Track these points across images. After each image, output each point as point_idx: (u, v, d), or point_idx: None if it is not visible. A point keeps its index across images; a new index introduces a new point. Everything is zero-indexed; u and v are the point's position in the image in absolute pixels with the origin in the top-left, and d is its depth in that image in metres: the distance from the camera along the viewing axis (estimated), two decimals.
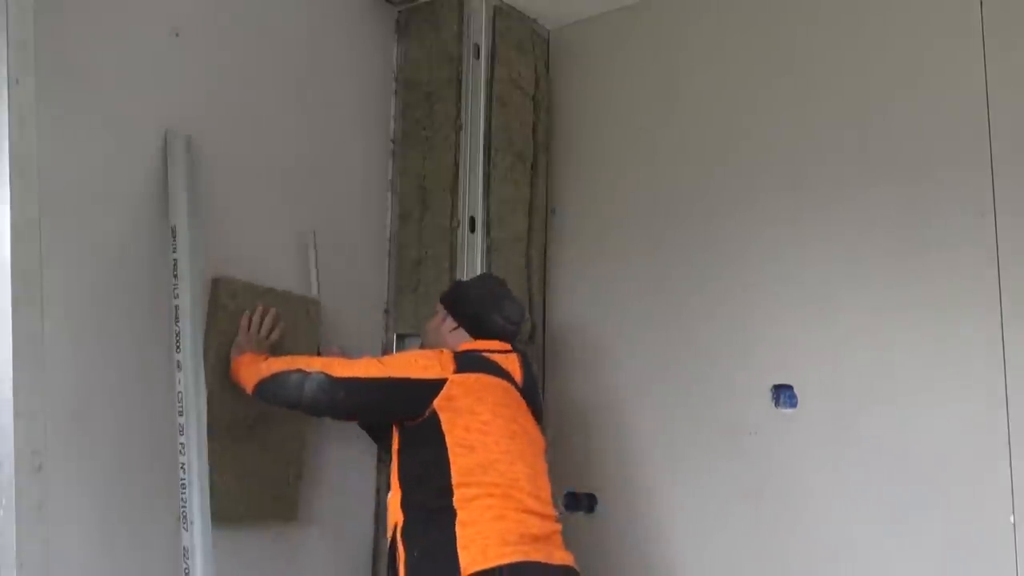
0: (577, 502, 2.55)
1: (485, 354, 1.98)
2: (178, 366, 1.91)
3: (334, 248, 2.42)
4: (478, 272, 2.46)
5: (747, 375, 2.33)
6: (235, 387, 2.02)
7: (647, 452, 2.46)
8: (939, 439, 2.06)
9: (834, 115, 2.29)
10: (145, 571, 1.92)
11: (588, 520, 2.52)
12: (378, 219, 2.61)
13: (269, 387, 1.92)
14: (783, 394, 2.29)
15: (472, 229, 2.51)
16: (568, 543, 1.92)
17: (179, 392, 1.90)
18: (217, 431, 1.97)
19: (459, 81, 2.54)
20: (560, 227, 2.74)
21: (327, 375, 1.88)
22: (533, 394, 2.03)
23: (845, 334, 2.21)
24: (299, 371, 1.90)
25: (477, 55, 2.57)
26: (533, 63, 2.73)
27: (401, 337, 2.51)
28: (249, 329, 2.07)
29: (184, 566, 1.86)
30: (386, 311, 2.57)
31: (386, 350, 2.53)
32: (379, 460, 2.46)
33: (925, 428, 2.08)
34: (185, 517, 1.86)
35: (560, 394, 2.64)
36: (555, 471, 2.55)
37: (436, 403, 1.85)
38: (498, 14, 2.63)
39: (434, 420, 1.85)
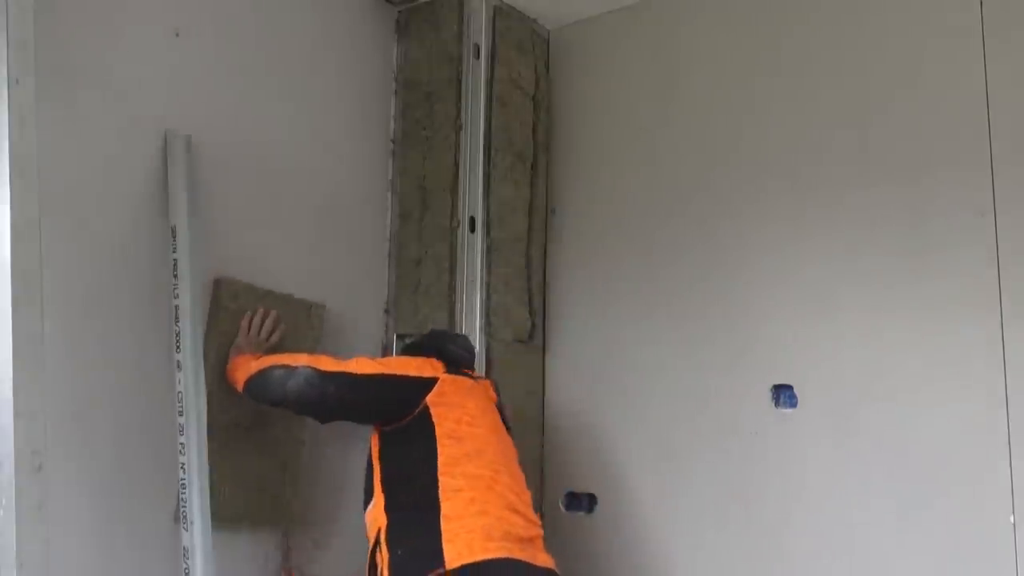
0: (577, 502, 2.55)
1: (464, 372, 2.05)
2: (178, 366, 1.91)
3: (334, 248, 2.42)
4: (478, 272, 2.47)
5: (747, 375, 2.33)
6: (232, 388, 2.02)
7: (647, 452, 2.46)
8: (939, 439, 2.06)
9: (834, 115, 2.29)
10: (145, 571, 1.92)
11: (588, 520, 2.52)
12: (378, 219, 2.61)
13: (255, 384, 1.93)
14: (783, 394, 2.29)
15: (472, 229, 2.51)
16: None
17: (179, 392, 1.90)
18: (215, 431, 1.97)
19: (459, 81, 2.54)
20: (560, 227, 2.74)
21: (315, 369, 1.89)
22: (505, 415, 2.08)
23: (845, 334, 2.21)
24: (284, 366, 1.90)
25: (477, 55, 2.57)
26: (533, 63, 2.73)
27: (401, 337, 2.51)
28: (249, 331, 2.07)
29: (184, 566, 1.86)
30: (386, 311, 2.57)
31: (386, 350, 2.53)
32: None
33: (925, 428, 2.08)
34: (185, 517, 1.86)
35: (560, 394, 2.64)
36: (555, 471, 2.58)
37: (429, 399, 1.89)
38: (498, 14, 2.63)
39: (425, 415, 1.88)
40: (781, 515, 2.25)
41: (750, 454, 2.30)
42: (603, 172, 2.68)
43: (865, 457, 2.15)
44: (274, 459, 2.15)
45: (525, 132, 2.67)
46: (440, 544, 1.74)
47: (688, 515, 2.38)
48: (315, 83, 2.42)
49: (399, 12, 2.68)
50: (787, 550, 2.23)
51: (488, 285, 2.50)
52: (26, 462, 1.53)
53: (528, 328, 2.61)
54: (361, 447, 2.36)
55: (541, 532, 1.91)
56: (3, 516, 1.51)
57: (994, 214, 2.05)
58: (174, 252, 1.94)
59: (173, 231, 1.96)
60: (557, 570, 1.86)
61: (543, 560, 1.84)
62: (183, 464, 1.87)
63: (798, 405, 2.26)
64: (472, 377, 2.05)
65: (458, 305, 2.45)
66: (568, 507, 2.55)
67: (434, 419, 1.87)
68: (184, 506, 1.86)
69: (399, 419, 1.89)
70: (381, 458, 1.91)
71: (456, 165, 2.52)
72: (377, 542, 1.84)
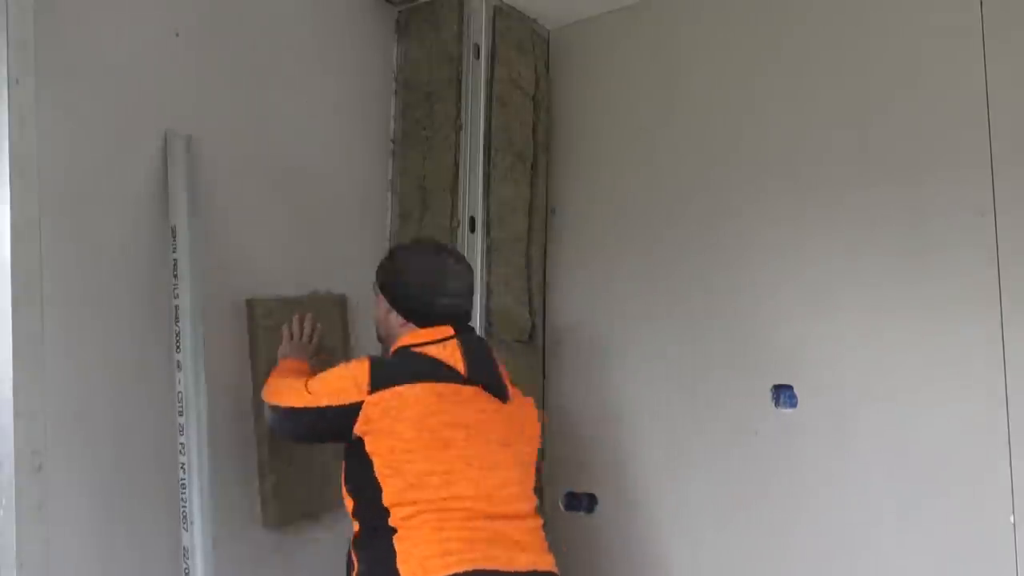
0: (577, 502, 2.55)
1: (417, 350, 1.86)
2: (178, 366, 1.91)
3: (335, 248, 2.42)
4: (478, 272, 2.46)
5: (747, 375, 2.33)
6: None
7: (647, 452, 2.46)
8: (939, 439, 2.06)
9: (834, 115, 2.29)
10: (145, 571, 1.91)
11: (588, 520, 2.52)
12: (378, 219, 2.61)
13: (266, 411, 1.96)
14: (783, 394, 2.29)
15: (472, 229, 2.51)
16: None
17: (179, 392, 1.90)
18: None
19: (459, 81, 2.54)
20: (560, 227, 2.74)
21: (279, 406, 1.87)
22: (487, 376, 1.87)
23: (845, 334, 2.21)
24: (270, 403, 1.91)
25: (477, 55, 2.57)
26: (533, 63, 2.73)
27: None
28: (292, 338, 2.13)
29: (184, 566, 1.86)
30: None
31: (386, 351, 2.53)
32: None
33: (925, 428, 2.08)
34: (185, 517, 1.86)
35: (560, 394, 2.64)
36: (555, 471, 2.58)
37: (356, 429, 1.77)
38: (498, 14, 2.63)
39: (359, 445, 1.79)
40: (781, 515, 2.25)
41: (750, 454, 2.31)
42: (603, 172, 2.68)
43: (865, 457, 2.15)
44: (326, 451, 2.23)
45: (525, 132, 2.67)
46: (395, 565, 1.69)
47: (688, 515, 2.38)
48: (315, 83, 2.42)
49: (399, 12, 2.68)
50: (787, 550, 2.23)
51: (488, 285, 2.50)
52: (26, 462, 1.53)
53: (528, 328, 2.61)
54: None
55: (532, 525, 1.81)
56: (3, 516, 1.52)
57: (994, 214, 2.05)
58: (174, 252, 1.94)
59: (173, 231, 1.96)
60: (552, 568, 1.79)
61: (527, 562, 1.74)
62: (183, 464, 1.88)
63: (798, 405, 2.26)
64: (417, 355, 1.84)
65: None
66: (568, 507, 2.55)
67: (368, 449, 1.77)
68: (184, 506, 1.86)
69: (347, 445, 1.85)
70: (345, 466, 1.87)
71: (456, 165, 2.52)
72: (350, 546, 1.83)
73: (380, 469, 1.76)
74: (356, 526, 1.82)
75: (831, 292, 2.24)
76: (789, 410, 2.27)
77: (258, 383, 2.10)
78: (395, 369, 1.83)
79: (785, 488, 2.25)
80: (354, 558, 1.80)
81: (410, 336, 1.92)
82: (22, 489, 1.52)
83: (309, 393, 1.83)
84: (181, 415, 1.89)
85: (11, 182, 1.57)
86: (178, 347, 1.92)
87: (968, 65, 2.12)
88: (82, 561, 1.81)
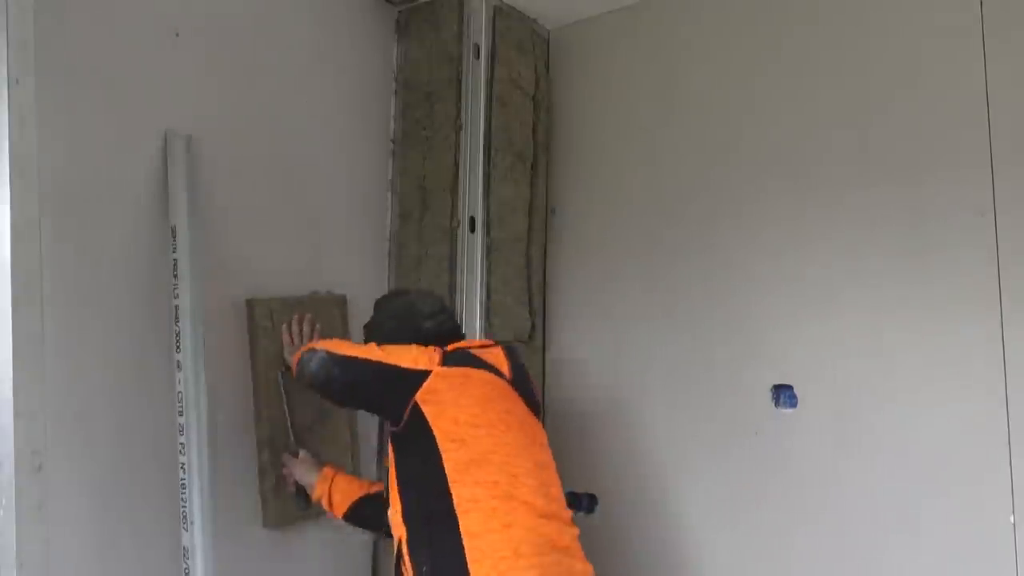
0: (577, 502, 2.55)
1: (470, 350, 1.92)
2: (178, 366, 1.91)
3: (335, 248, 2.42)
4: (478, 272, 2.47)
5: (747, 375, 2.33)
6: (283, 402, 2.16)
7: (647, 452, 2.46)
8: (939, 439, 2.06)
9: (834, 115, 2.29)
10: (145, 571, 1.92)
11: (588, 520, 2.52)
12: (378, 219, 2.61)
13: (296, 367, 1.97)
14: (783, 394, 2.29)
15: (472, 229, 2.51)
16: None
17: (179, 392, 1.90)
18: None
19: (459, 81, 2.54)
20: (560, 227, 2.74)
21: (328, 352, 1.89)
22: (525, 386, 1.94)
23: (845, 334, 2.21)
24: (311, 349, 1.92)
25: (477, 55, 2.57)
26: (533, 63, 2.73)
27: None
28: (292, 341, 2.15)
29: (184, 566, 1.86)
30: None
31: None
32: (378, 462, 2.46)
33: (925, 428, 2.08)
34: (185, 517, 1.86)
35: (560, 394, 2.64)
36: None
37: (418, 396, 1.76)
38: (498, 14, 2.63)
39: (419, 416, 1.76)
40: (781, 515, 2.25)
41: (750, 454, 2.31)
42: (603, 172, 2.68)
43: (865, 457, 2.15)
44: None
45: (525, 132, 2.67)
46: (465, 565, 1.64)
47: (688, 515, 2.38)
48: (315, 83, 2.42)
49: (399, 12, 2.68)
50: (787, 550, 2.23)
51: (488, 285, 2.50)
52: (26, 462, 1.53)
53: (528, 328, 2.61)
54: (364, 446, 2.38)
55: (575, 531, 1.81)
56: (3, 516, 1.51)
57: (994, 214, 2.05)
58: (174, 252, 1.94)
59: (173, 231, 1.96)
60: None
61: (581, 572, 1.74)
62: (183, 464, 1.88)
63: (798, 405, 2.26)
64: (473, 355, 1.89)
65: (458, 305, 2.46)
66: (568, 507, 2.54)
67: (429, 421, 1.75)
68: (184, 506, 1.87)
69: (397, 417, 1.80)
70: (395, 463, 1.83)
71: (456, 165, 2.52)
72: (400, 553, 1.77)
73: (443, 440, 1.74)
74: (405, 530, 1.76)
75: (831, 292, 2.24)
76: (789, 410, 2.28)
77: (258, 383, 2.12)
78: (462, 355, 1.88)
79: (785, 488, 2.25)
80: (408, 562, 1.73)
81: (456, 343, 1.95)
82: (22, 489, 1.52)
83: (381, 350, 1.86)
84: (181, 415, 1.89)
85: (11, 182, 1.57)
86: (178, 347, 1.92)
87: (968, 65, 2.12)
88: (82, 561, 1.82)
